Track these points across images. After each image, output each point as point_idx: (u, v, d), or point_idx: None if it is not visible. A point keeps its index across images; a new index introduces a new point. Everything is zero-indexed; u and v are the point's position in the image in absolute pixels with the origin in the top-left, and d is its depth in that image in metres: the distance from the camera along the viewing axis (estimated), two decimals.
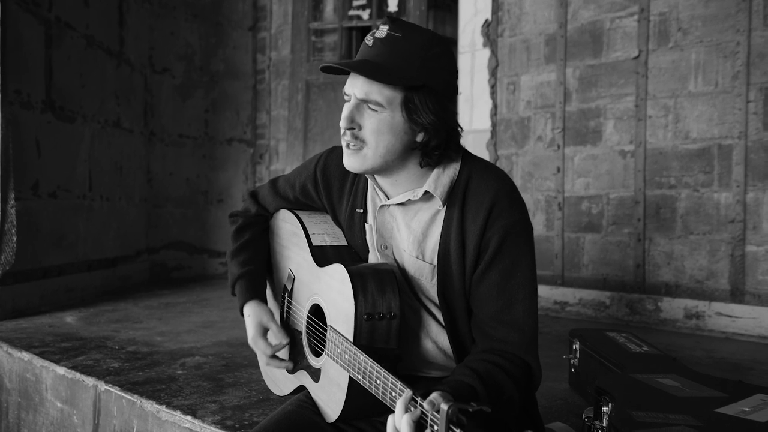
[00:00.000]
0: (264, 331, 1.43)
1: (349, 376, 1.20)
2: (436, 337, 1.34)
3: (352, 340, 1.20)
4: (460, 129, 1.27)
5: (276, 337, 1.43)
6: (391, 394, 1.04)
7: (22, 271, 3.10)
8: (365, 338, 1.21)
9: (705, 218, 3.11)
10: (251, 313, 1.45)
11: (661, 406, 1.38)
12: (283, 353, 1.49)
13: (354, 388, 1.20)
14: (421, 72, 1.18)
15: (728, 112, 3.04)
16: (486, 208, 1.22)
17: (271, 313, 1.46)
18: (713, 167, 3.09)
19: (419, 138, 1.22)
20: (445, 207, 1.27)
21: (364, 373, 1.13)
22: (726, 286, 3.05)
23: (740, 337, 2.97)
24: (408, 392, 0.97)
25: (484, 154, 3.89)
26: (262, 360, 1.57)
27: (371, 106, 1.20)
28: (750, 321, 2.95)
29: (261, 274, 1.54)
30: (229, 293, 1.53)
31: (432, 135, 1.21)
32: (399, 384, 1.02)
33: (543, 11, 3.66)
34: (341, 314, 1.25)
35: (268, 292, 1.62)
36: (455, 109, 1.27)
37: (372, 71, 1.17)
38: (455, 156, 1.28)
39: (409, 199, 1.28)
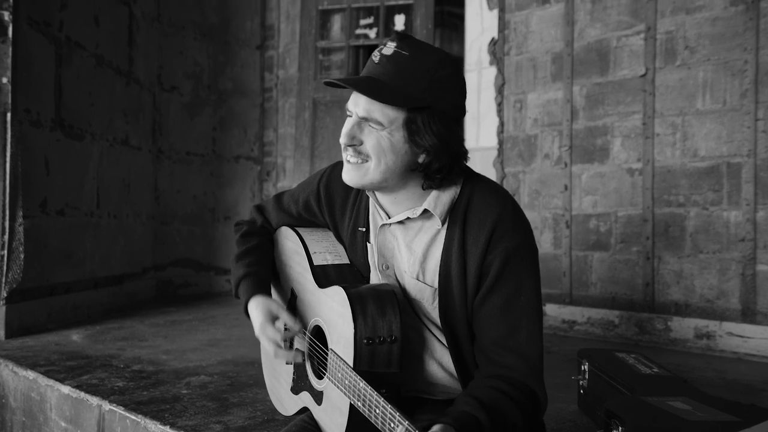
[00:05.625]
0: (273, 318, 1.35)
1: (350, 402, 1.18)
2: (440, 359, 1.31)
3: (352, 364, 1.18)
4: (466, 153, 1.23)
5: (288, 323, 1.34)
6: (390, 424, 1.01)
7: (29, 288, 3.11)
8: (366, 363, 1.18)
9: (715, 237, 3.08)
10: (258, 304, 1.36)
11: (672, 430, 1.35)
12: (287, 370, 1.46)
13: (355, 413, 1.18)
14: (427, 93, 1.14)
15: (737, 130, 3.02)
16: (488, 229, 1.18)
17: (281, 304, 1.38)
18: (722, 185, 3.06)
19: (421, 159, 1.19)
20: (446, 227, 1.23)
21: (363, 400, 1.11)
22: (737, 306, 3.01)
23: (752, 358, 2.92)
24: None
25: (491, 172, 3.89)
26: (270, 350, 1.36)
27: (372, 124, 1.17)
28: (762, 341, 2.90)
29: (267, 276, 1.49)
30: (236, 309, 1.50)
31: (434, 157, 1.18)
32: (397, 415, 0.99)
33: (549, 30, 3.67)
34: (342, 338, 1.23)
35: None
36: (461, 132, 1.23)
37: (374, 91, 1.14)
38: (458, 178, 1.25)
39: (408, 218, 1.26)
